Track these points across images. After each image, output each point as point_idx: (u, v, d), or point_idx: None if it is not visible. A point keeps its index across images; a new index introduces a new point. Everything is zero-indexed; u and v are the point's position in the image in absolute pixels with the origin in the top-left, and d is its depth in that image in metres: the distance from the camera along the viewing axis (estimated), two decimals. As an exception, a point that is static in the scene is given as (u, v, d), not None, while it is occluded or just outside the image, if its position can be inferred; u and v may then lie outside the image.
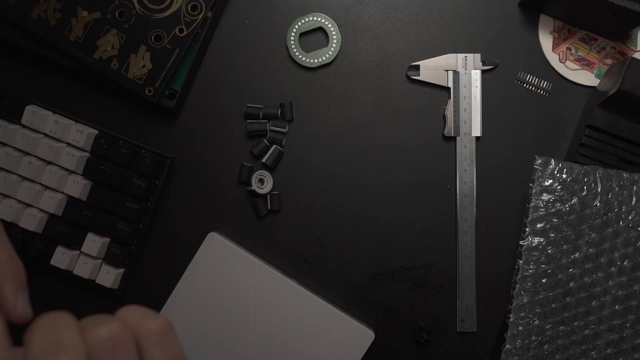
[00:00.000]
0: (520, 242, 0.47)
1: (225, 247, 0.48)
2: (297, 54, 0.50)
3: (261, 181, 0.50)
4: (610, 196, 0.47)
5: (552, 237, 0.47)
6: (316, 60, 0.50)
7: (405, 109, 0.51)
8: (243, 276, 0.48)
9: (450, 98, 0.50)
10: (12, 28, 0.48)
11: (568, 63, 0.51)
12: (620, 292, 0.47)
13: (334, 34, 0.50)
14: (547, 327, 0.47)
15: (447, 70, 0.50)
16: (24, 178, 0.48)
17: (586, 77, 0.51)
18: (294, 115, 0.50)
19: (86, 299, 0.51)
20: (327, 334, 0.48)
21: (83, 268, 0.48)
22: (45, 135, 0.48)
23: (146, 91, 0.48)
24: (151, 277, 0.51)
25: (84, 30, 0.47)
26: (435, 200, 0.50)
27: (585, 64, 0.51)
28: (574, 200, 0.47)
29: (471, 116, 0.50)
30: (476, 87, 0.50)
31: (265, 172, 0.50)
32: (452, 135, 0.50)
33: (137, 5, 0.47)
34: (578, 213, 0.47)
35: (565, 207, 0.47)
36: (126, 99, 0.51)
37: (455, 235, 0.50)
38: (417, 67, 0.50)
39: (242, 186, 0.51)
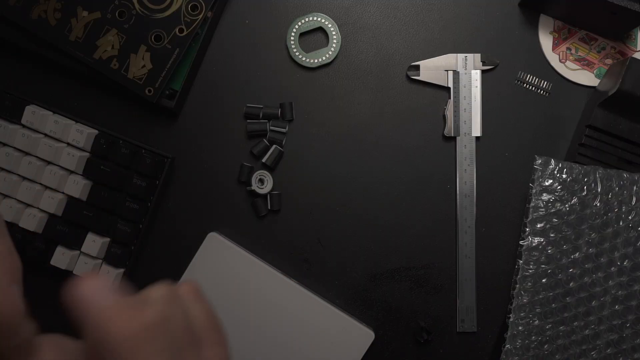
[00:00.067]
0: (520, 242, 0.47)
1: (225, 247, 0.48)
2: (297, 54, 0.50)
3: (261, 181, 0.50)
4: (610, 196, 0.47)
5: (552, 237, 0.47)
6: (316, 60, 0.50)
7: (405, 109, 0.51)
8: (243, 276, 0.48)
9: (450, 98, 0.50)
10: (12, 28, 0.48)
11: (568, 63, 0.51)
12: (620, 292, 0.47)
13: (334, 34, 0.50)
14: (547, 327, 0.47)
15: (447, 70, 0.50)
16: (24, 178, 0.48)
17: (586, 77, 0.51)
18: (294, 115, 0.50)
19: (86, 299, 0.51)
20: (327, 334, 0.48)
21: (83, 268, 0.48)
22: (45, 135, 0.48)
23: (146, 91, 0.48)
24: (151, 277, 0.51)
25: (84, 30, 0.47)
26: (435, 200, 0.50)
27: (585, 64, 0.51)
28: (574, 200, 0.47)
29: (471, 116, 0.50)
30: (476, 87, 0.50)
31: (265, 172, 0.50)
32: (452, 135, 0.50)
33: (137, 5, 0.47)
34: (578, 213, 0.47)
35: (565, 207, 0.47)
36: (126, 99, 0.51)
37: (455, 235, 0.50)
38: (417, 67, 0.50)
39: (242, 186, 0.51)
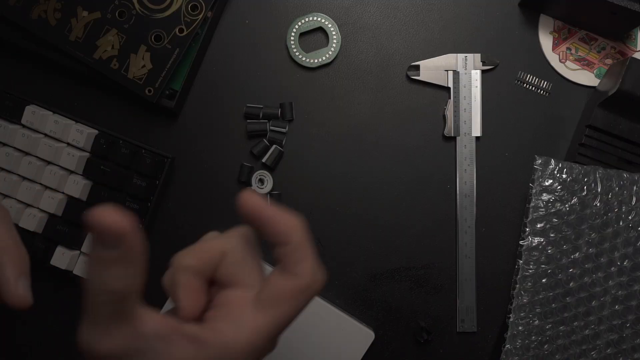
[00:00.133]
0: (520, 242, 0.47)
1: (225, 247, 0.48)
2: (297, 54, 0.50)
3: (261, 181, 0.50)
4: (610, 196, 0.47)
5: (552, 237, 0.47)
6: (316, 60, 0.50)
7: (405, 109, 0.51)
8: (243, 276, 0.48)
9: (450, 98, 0.50)
10: (12, 28, 0.48)
11: (568, 63, 0.51)
12: (620, 292, 0.47)
13: (334, 34, 0.50)
14: (547, 327, 0.47)
15: (447, 70, 0.50)
16: (24, 178, 0.48)
17: (586, 77, 0.51)
18: (294, 115, 0.50)
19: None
20: (327, 334, 0.48)
21: (83, 268, 0.48)
22: (45, 135, 0.48)
23: (146, 91, 0.48)
24: (151, 277, 0.50)
25: (84, 30, 0.47)
26: (435, 200, 0.50)
27: (585, 64, 0.51)
28: (574, 200, 0.47)
29: (471, 116, 0.50)
30: (476, 87, 0.50)
31: (265, 172, 0.50)
32: (452, 135, 0.50)
33: (137, 5, 0.47)
34: (578, 213, 0.47)
35: (565, 207, 0.47)
36: (126, 99, 0.51)
37: (455, 235, 0.50)
38: (417, 67, 0.50)
39: (242, 186, 0.51)
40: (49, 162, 0.48)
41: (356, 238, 0.50)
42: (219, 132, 0.51)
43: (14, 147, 0.48)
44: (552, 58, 0.51)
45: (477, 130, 0.50)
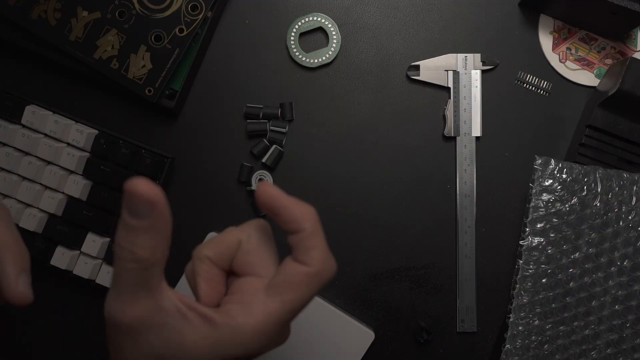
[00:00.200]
0: (520, 242, 0.47)
1: (225, 247, 0.48)
2: (297, 54, 0.50)
3: (261, 181, 0.50)
4: (610, 196, 0.47)
5: (552, 237, 0.47)
6: (316, 60, 0.50)
7: (405, 109, 0.51)
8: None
9: (450, 98, 0.50)
10: (12, 28, 0.48)
11: (568, 63, 0.51)
12: (620, 292, 0.47)
13: (334, 34, 0.50)
14: (547, 327, 0.47)
15: (447, 70, 0.50)
16: (24, 178, 0.48)
17: (586, 77, 0.51)
18: (294, 115, 0.50)
19: (86, 299, 0.51)
20: (327, 334, 0.48)
21: (83, 268, 0.48)
22: (45, 135, 0.48)
23: (146, 91, 0.48)
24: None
25: (84, 30, 0.47)
26: (435, 200, 0.50)
27: (585, 64, 0.51)
28: (574, 200, 0.47)
29: (471, 116, 0.50)
30: (476, 87, 0.50)
31: (265, 172, 0.50)
32: (452, 135, 0.50)
33: (137, 5, 0.47)
34: (578, 213, 0.47)
35: (565, 207, 0.47)
36: (126, 99, 0.51)
37: (455, 235, 0.50)
38: (417, 67, 0.50)
39: (242, 186, 0.51)
40: (49, 162, 0.48)
41: (356, 238, 0.50)
42: (219, 132, 0.51)
43: (14, 147, 0.48)
44: (552, 58, 0.51)
45: (477, 130, 0.50)
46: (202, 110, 0.51)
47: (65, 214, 0.48)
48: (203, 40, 0.49)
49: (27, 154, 0.48)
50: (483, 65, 0.50)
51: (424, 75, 0.50)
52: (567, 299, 0.47)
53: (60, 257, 0.48)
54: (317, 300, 0.48)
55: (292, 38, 0.50)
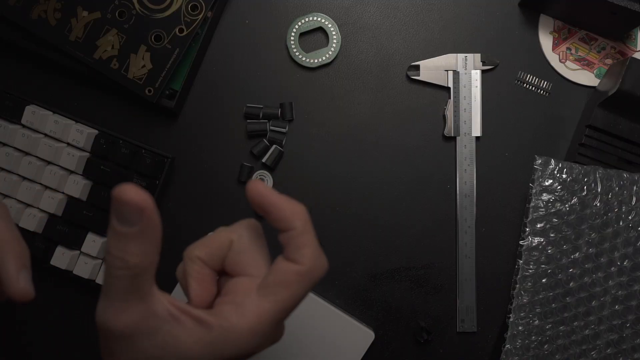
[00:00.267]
0: (520, 242, 0.47)
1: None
2: (297, 54, 0.50)
3: (261, 181, 0.50)
4: (610, 196, 0.47)
5: (552, 237, 0.47)
6: (316, 60, 0.50)
7: (405, 109, 0.51)
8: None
9: (450, 98, 0.50)
10: (12, 28, 0.48)
11: (568, 63, 0.51)
12: (620, 292, 0.47)
13: (334, 34, 0.50)
14: (547, 327, 0.47)
15: (447, 70, 0.50)
16: (24, 178, 0.48)
17: (586, 77, 0.51)
18: (294, 115, 0.50)
19: (86, 299, 0.51)
20: (327, 334, 0.48)
21: (83, 268, 0.48)
22: (45, 135, 0.48)
23: (146, 91, 0.48)
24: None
25: (84, 30, 0.47)
26: (435, 200, 0.50)
27: (585, 64, 0.51)
28: (574, 200, 0.47)
29: (471, 116, 0.50)
30: (476, 87, 0.50)
31: (265, 172, 0.50)
32: (452, 135, 0.50)
33: (137, 5, 0.47)
34: (578, 213, 0.47)
35: (565, 207, 0.47)
36: (126, 99, 0.51)
37: (455, 235, 0.50)
38: (417, 67, 0.50)
39: (242, 186, 0.51)
40: (49, 162, 0.48)
41: (356, 238, 0.50)
42: (219, 132, 0.51)
43: (14, 147, 0.48)
44: (552, 58, 0.51)
45: (477, 130, 0.50)
46: (202, 110, 0.51)
47: (65, 214, 0.48)
48: (203, 40, 0.49)
49: (27, 154, 0.48)
50: (483, 65, 0.50)
51: (424, 75, 0.50)
52: (567, 299, 0.47)
53: (60, 257, 0.48)
54: (317, 300, 0.48)
55: (292, 38, 0.50)
